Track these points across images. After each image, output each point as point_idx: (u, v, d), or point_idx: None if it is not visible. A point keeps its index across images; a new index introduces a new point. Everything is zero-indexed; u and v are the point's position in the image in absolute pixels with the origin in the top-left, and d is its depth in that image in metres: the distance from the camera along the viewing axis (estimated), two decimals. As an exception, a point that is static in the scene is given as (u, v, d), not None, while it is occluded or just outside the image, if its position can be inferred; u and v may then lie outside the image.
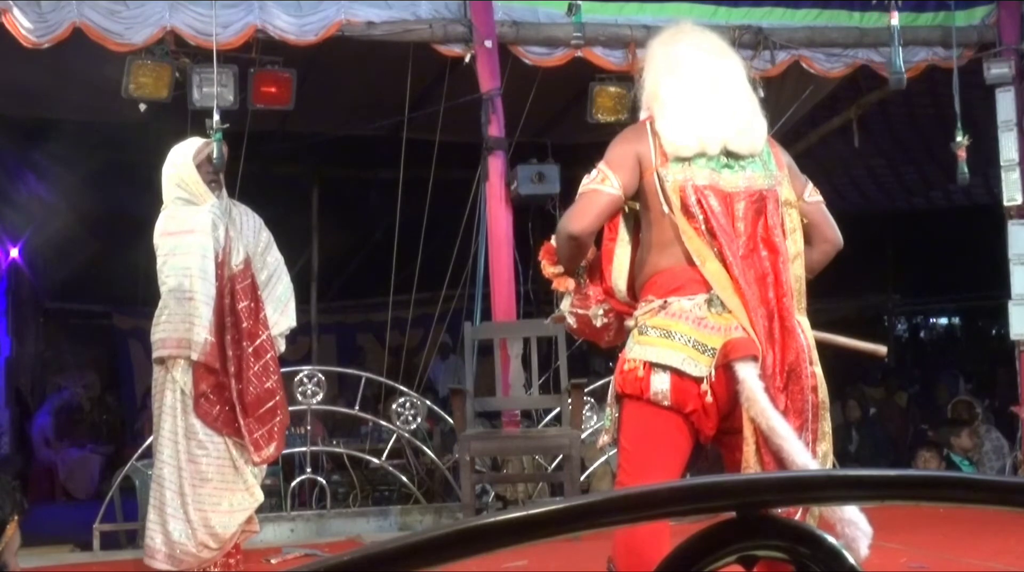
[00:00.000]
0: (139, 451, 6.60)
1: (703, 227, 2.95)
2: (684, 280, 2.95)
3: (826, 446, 2.97)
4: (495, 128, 6.92)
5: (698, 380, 2.87)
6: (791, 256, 3.01)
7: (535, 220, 7.88)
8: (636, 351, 2.97)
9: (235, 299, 4.61)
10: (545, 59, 7.07)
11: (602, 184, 3.07)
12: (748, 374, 2.81)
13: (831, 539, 0.94)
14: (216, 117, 6.44)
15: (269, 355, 4.70)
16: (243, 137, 6.91)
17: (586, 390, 6.09)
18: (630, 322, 3.04)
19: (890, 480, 0.99)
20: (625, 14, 7.14)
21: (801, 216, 3.10)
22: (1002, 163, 7.20)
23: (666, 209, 2.98)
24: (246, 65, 6.71)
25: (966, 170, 6.84)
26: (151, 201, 9.09)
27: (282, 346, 4.91)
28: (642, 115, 3.28)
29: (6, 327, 10.93)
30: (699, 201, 2.96)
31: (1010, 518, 5.18)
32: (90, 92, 7.31)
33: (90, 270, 11.31)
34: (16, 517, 3.60)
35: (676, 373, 2.89)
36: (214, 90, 6.46)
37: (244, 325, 4.61)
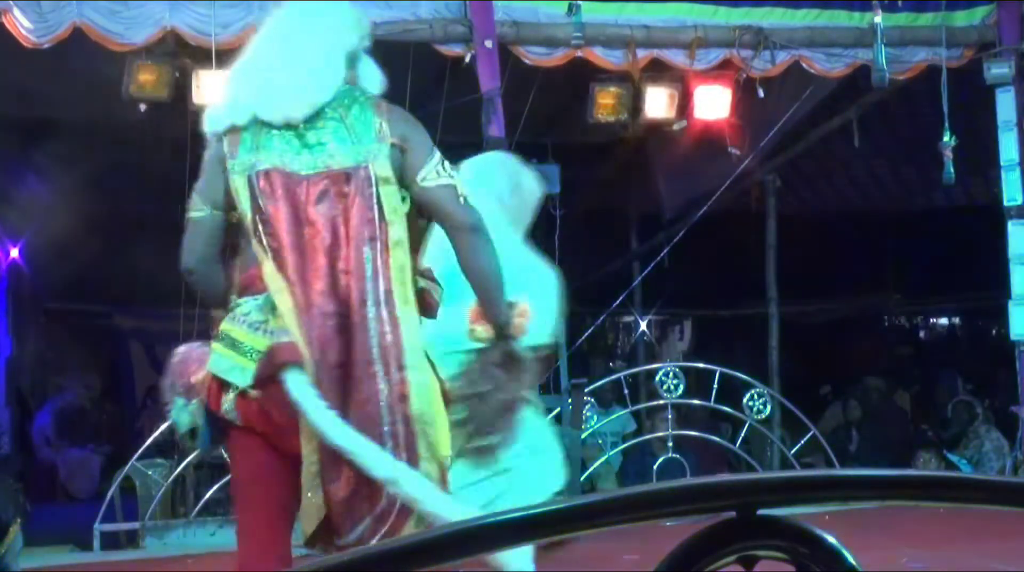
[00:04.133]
0: (139, 451, 6.61)
1: (261, 219, 2.62)
2: (254, 279, 2.66)
3: (433, 468, 2.56)
4: (495, 128, 6.92)
5: (246, 390, 2.59)
6: (389, 243, 2.60)
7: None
8: (209, 363, 2.67)
9: None
10: (545, 59, 7.07)
11: (191, 211, 2.85)
12: (293, 382, 2.50)
13: (831, 539, 0.94)
14: (216, 117, 6.46)
15: None
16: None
17: (586, 390, 6.09)
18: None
19: (890, 480, 0.99)
20: (625, 14, 7.14)
21: (420, 200, 2.67)
22: (1002, 163, 7.21)
23: (237, 202, 2.67)
24: (246, 65, 6.71)
25: (952, 171, 6.88)
26: (151, 201, 9.10)
27: None
28: None
29: (6, 327, 10.92)
30: (262, 189, 2.63)
31: (1010, 518, 5.19)
32: (90, 92, 7.30)
33: (90, 270, 11.29)
34: (18, 519, 3.60)
35: (234, 386, 2.59)
36: (214, 90, 6.46)
37: None
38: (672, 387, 6.82)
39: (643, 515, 0.94)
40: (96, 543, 6.12)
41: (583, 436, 6.18)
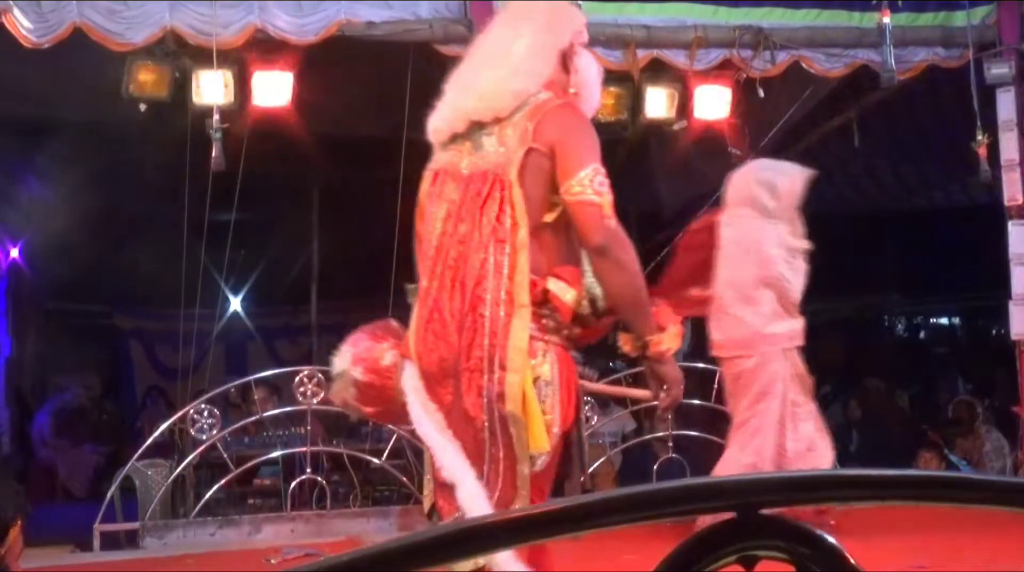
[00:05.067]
0: (139, 451, 6.61)
1: (420, 212, 2.84)
2: None
3: (525, 467, 2.62)
4: (495, 128, 6.92)
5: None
6: (516, 246, 2.62)
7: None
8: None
9: None
10: (545, 59, 7.07)
11: None
12: (406, 374, 2.69)
13: (831, 539, 0.94)
14: (216, 117, 6.46)
15: None
16: (243, 137, 6.91)
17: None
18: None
19: (890, 480, 0.99)
20: (625, 14, 7.13)
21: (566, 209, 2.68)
22: (1002, 163, 7.20)
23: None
24: (246, 65, 6.71)
25: (988, 169, 6.90)
26: (151, 201, 9.08)
27: None
28: None
29: (6, 327, 10.93)
30: (431, 187, 2.83)
31: (1010, 518, 5.18)
32: (90, 92, 7.31)
33: (90, 270, 11.31)
34: (19, 520, 3.61)
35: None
36: (214, 90, 6.47)
37: None
38: (672, 387, 6.81)
39: (643, 515, 0.94)
40: (96, 543, 6.11)
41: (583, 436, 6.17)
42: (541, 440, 2.62)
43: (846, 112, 8.33)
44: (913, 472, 1.05)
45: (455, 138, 2.77)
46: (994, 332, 13.84)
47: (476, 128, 2.75)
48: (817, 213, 10.67)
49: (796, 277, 5.23)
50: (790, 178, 5.28)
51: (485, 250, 2.63)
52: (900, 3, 7.15)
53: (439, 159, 2.82)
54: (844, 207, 10.88)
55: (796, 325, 5.23)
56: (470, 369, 2.62)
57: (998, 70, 7.14)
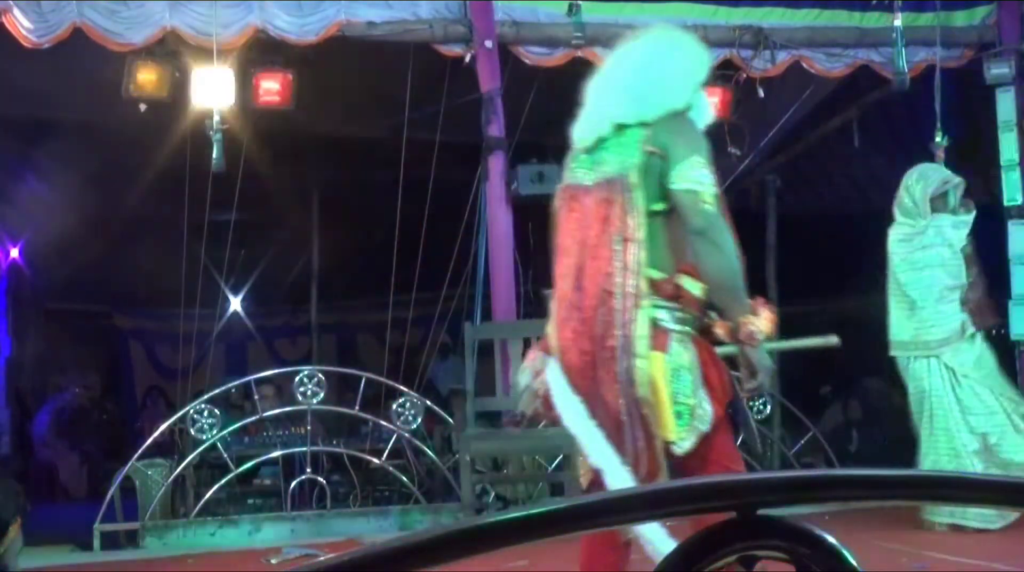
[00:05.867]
0: (139, 451, 6.60)
1: (555, 223, 3.08)
2: None
3: (661, 450, 2.84)
4: (495, 128, 6.92)
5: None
6: (639, 244, 2.85)
7: (535, 220, 7.86)
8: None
9: None
10: (545, 59, 7.07)
11: None
12: (550, 370, 2.96)
13: (831, 539, 0.94)
14: (216, 117, 6.46)
15: None
16: (243, 137, 6.91)
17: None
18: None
19: (890, 480, 0.98)
20: (625, 14, 7.13)
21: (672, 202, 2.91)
22: (1002, 163, 7.20)
23: None
24: (246, 65, 6.71)
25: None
26: (151, 201, 9.05)
27: None
28: None
29: (6, 327, 10.92)
30: (561, 197, 3.08)
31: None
32: (90, 92, 7.31)
33: (90, 270, 11.30)
34: (19, 519, 3.61)
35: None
36: (214, 90, 6.47)
37: None
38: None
39: (643, 515, 0.94)
40: (96, 543, 6.11)
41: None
42: (668, 427, 2.83)
43: (846, 112, 8.33)
44: (913, 472, 1.05)
45: (598, 143, 3.00)
46: (994, 332, 13.83)
47: (616, 131, 2.98)
48: (817, 213, 10.74)
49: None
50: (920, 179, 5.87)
51: (611, 250, 2.86)
52: (900, 3, 7.15)
53: (568, 175, 3.07)
54: (844, 207, 10.88)
55: None
56: (605, 359, 2.85)
57: (998, 70, 7.14)
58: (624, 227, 2.86)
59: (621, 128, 2.97)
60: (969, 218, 5.64)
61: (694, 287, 2.90)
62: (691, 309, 2.90)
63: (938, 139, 6.91)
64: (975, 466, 5.39)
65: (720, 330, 2.95)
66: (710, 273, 2.87)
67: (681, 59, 3.08)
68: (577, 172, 3.04)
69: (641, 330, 2.82)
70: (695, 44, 3.19)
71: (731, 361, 3.03)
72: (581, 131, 3.06)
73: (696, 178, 2.85)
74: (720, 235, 2.85)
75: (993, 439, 5.43)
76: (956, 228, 5.61)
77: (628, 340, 2.82)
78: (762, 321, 2.89)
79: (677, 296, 2.88)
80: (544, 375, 2.98)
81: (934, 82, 7.25)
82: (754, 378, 2.94)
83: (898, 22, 6.85)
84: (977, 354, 5.57)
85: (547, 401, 3.06)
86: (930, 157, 6.88)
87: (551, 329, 3.00)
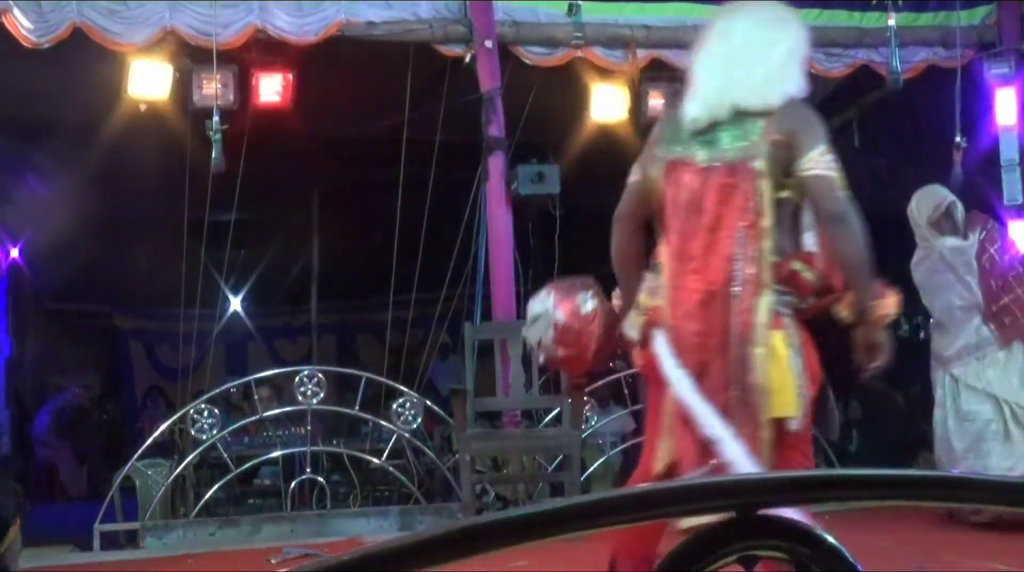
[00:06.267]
0: (139, 451, 6.60)
1: (664, 201, 3.03)
2: (659, 253, 3.10)
3: (768, 433, 2.88)
4: (495, 128, 6.92)
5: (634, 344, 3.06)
6: (761, 232, 2.89)
7: (535, 220, 7.87)
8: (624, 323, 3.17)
9: None
10: (545, 59, 7.07)
11: (630, 174, 3.21)
12: (657, 342, 2.94)
13: (831, 539, 0.94)
14: (216, 117, 6.46)
15: None
16: (243, 137, 6.90)
17: (586, 390, 6.09)
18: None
19: (890, 480, 0.98)
20: (625, 14, 7.13)
21: (801, 189, 2.95)
22: (1002, 163, 7.20)
23: (653, 183, 3.09)
24: (246, 65, 6.71)
25: (960, 172, 6.91)
26: (151, 201, 9.04)
27: None
28: None
29: (6, 327, 10.92)
30: (668, 175, 3.03)
31: (1010, 518, 5.18)
32: (90, 92, 7.30)
33: (90, 270, 11.31)
34: (18, 519, 3.61)
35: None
36: (214, 90, 6.46)
37: None
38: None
39: (643, 515, 0.94)
40: (96, 543, 6.11)
41: (583, 436, 6.17)
42: (790, 405, 2.88)
43: (846, 112, 8.32)
44: (913, 472, 1.05)
45: (712, 127, 2.97)
46: None
47: (734, 115, 2.96)
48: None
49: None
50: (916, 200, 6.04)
51: (732, 236, 2.87)
52: (900, 3, 7.15)
53: (671, 150, 3.02)
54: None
55: None
56: (718, 342, 2.87)
57: (998, 70, 7.14)
58: (747, 214, 2.88)
59: (741, 113, 2.96)
60: (966, 244, 5.72)
61: (808, 272, 2.96)
62: (802, 294, 2.96)
63: (957, 139, 6.93)
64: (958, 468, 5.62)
65: (844, 311, 3.02)
66: (847, 257, 2.92)
67: (794, 41, 3.08)
68: (685, 148, 3.01)
69: (762, 317, 2.86)
70: (798, 22, 3.20)
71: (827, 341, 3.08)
72: (695, 110, 3.02)
73: (828, 164, 2.91)
74: (854, 220, 2.90)
75: (985, 446, 5.64)
76: (956, 253, 5.67)
77: (746, 327, 2.86)
78: (892, 303, 2.99)
79: (790, 281, 2.93)
80: (653, 346, 2.96)
81: (936, 82, 7.24)
82: (875, 359, 3.02)
83: (892, 21, 6.85)
84: (1001, 367, 5.67)
85: (562, 336, 3.08)
86: (930, 157, 6.88)
87: (663, 304, 2.98)
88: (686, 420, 2.88)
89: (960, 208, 5.84)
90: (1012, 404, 5.64)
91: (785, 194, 2.93)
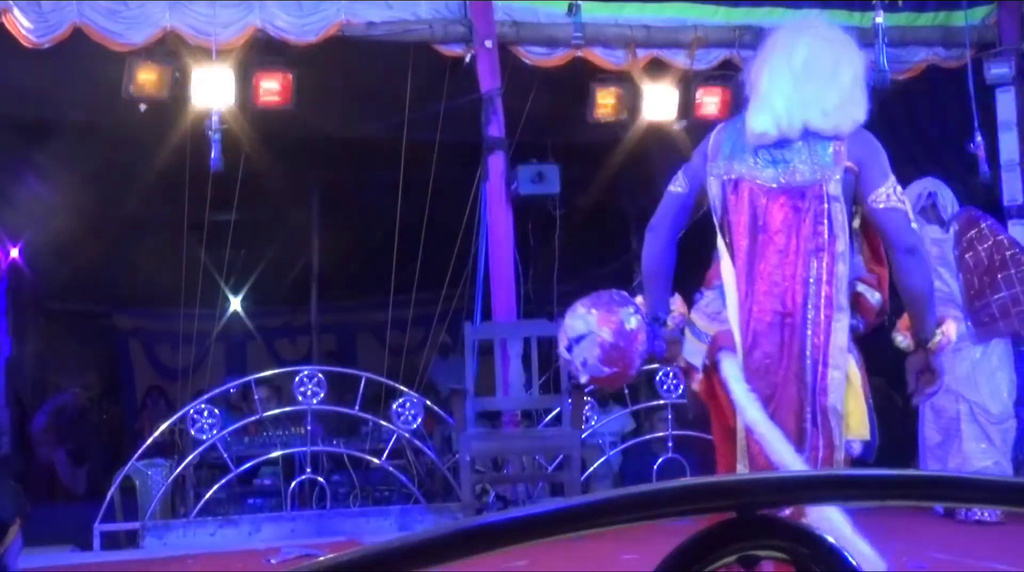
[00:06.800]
0: (139, 451, 6.60)
1: (727, 221, 3.00)
2: (716, 273, 3.08)
3: (841, 456, 2.91)
4: (495, 128, 6.92)
5: (697, 369, 3.03)
6: (835, 255, 2.90)
7: (535, 220, 7.87)
8: (683, 349, 3.14)
9: None
10: (545, 59, 7.07)
11: (672, 184, 3.22)
12: (726, 365, 2.91)
13: (831, 539, 0.94)
14: (216, 117, 6.46)
15: None
16: (243, 137, 6.90)
17: (586, 390, 6.09)
18: None
19: (890, 480, 0.99)
20: (625, 14, 7.13)
21: (868, 219, 2.98)
22: (1002, 163, 7.20)
23: (709, 200, 3.07)
24: (246, 65, 6.71)
25: (987, 169, 6.94)
26: (151, 201, 9.05)
27: None
28: None
29: (6, 327, 10.91)
30: (731, 195, 3.00)
31: (1010, 518, 5.19)
32: (90, 92, 7.30)
33: (90, 270, 11.30)
34: (18, 519, 3.61)
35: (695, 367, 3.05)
36: (214, 90, 6.46)
37: None
38: (672, 387, 6.81)
39: (643, 515, 0.94)
40: (96, 543, 6.11)
41: (583, 436, 6.17)
42: (861, 428, 2.92)
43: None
44: (913, 472, 1.05)
45: (780, 144, 2.95)
46: None
47: (806, 136, 2.94)
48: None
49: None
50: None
51: (804, 259, 2.88)
52: (900, 3, 7.15)
53: (732, 167, 2.98)
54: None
55: None
56: (792, 365, 2.88)
57: (998, 70, 7.14)
58: (819, 239, 2.89)
59: (811, 134, 2.94)
60: (943, 238, 5.74)
61: (873, 295, 3.00)
62: (867, 317, 3.01)
63: (977, 138, 6.97)
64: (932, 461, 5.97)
65: (902, 336, 3.07)
66: (916, 287, 2.96)
67: (859, 65, 3.07)
68: (755, 169, 2.98)
69: (840, 340, 2.89)
70: (857, 46, 3.19)
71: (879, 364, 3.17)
72: (762, 125, 2.98)
73: (900, 197, 2.94)
74: (925, 252, 3.00)
75: (955, 444, 5.86)
76: (933, 245, 5.69)
77: (821, 351, 2.87)
78: (952, 330, 3.04)
79: (855, 304, 2.98)
80: (722, 370, 2.93)
81: (936, 82, 7.24)
82: (932, 385, 3.07)
83: (880, 19, 6.85)
84: (971, 364, 5.72)
85: (608, 355, 3.02)
86: (930, 157, 6.89)
87: (733, 327, 2.96)
88: (758, 445, 2.86)
89: (949, 201, 5.82)
90: (972, 402, 5.70)
91: (856, 222, 2.98)
